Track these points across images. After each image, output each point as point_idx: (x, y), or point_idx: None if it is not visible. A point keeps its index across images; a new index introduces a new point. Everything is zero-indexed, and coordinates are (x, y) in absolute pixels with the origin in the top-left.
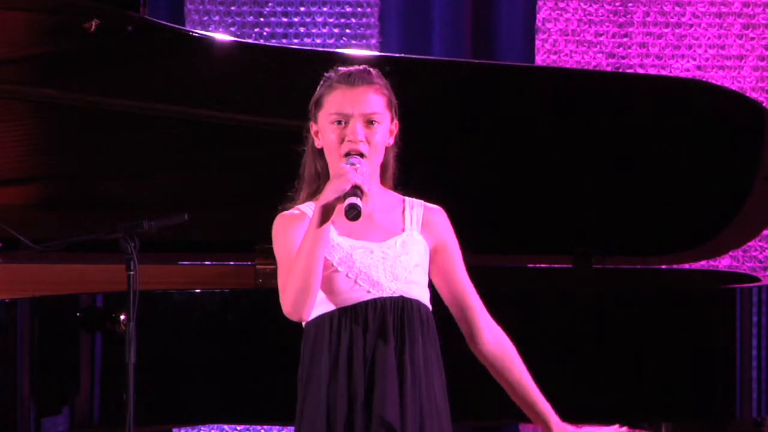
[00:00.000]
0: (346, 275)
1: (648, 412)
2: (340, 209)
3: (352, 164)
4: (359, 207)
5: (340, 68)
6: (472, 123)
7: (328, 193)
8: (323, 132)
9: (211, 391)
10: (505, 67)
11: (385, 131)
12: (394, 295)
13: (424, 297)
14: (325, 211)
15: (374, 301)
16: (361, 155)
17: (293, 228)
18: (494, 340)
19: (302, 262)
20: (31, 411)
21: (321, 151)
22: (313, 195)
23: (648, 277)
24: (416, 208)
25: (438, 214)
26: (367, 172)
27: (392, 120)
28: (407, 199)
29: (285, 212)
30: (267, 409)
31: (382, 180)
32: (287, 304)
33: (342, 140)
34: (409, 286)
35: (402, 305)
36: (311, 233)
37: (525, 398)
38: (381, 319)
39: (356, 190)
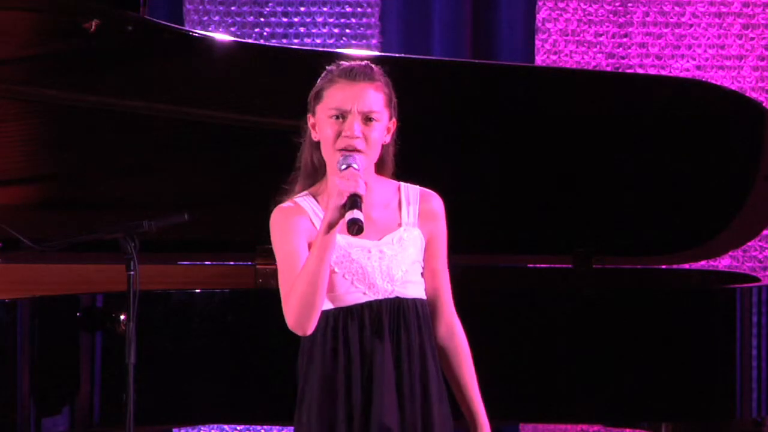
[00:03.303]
0: (343, 276)
1: (648, 412)
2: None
3: (348, 165)
4: (360, 222)
5: (342, 62)
6: (471, 123)
7: (330, 214)
8: (320, 125)
9: (211, 391)
10: (505, 67)
11: (383, 129)
12: (390, 296)
13: (420, 292)
14: (329, 228)
15: (370, 303)
16: (357, 152)
17: (291, 222)
18: (446, 335)
19: (307, 280)
20: (31, 411)
21: (318, 144)
22: (309, 188)
23: (648, 277)
24: (412, 197)
25: (435, 202)
26: (362, 168)
27: (390, 118)
28: (403, 186)
29: (282, 205)
30: (267, 409)
31: (379, 172)
32: (291, 319)
33: (338, 135)
34: (405, 285)
35: (398, 306)
36: (315, 252)
37: (461, 398)
38: (377, 321)
39: (355, 199)
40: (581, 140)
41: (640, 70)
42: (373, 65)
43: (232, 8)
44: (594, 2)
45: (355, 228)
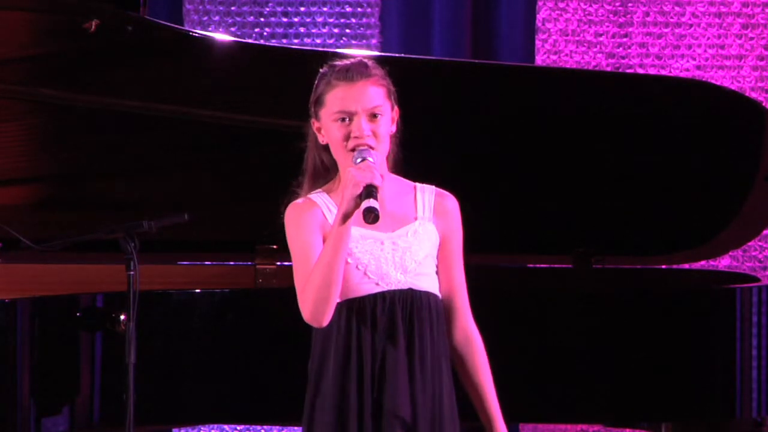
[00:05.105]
0: (356, 267)
1: (648, 412)
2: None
3: (363, 158)
4: (376, 210)
5: (335, 63)
6: (471, 123)
7: (346, 204)
8: (327, 129)
9: (211, 391)
10: (505, 67)
11: (388, 121)
12: (403, 287)
13: (434, 287)
14: (345, 219)
15: (383, 294)
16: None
17: (305, 217)
18: (462, 341)
19: (323, 271)
20: (31, 411)
21: (326, 147)
22: (318, 188)
23: (648, 277)
24: (428, 194)
25: (450, 201)
26: (377, 161)
27: (393, 108)
28: (419, 185)
29: (296, 201)
30: (267, 409)
31: (389, 167)
32: (306, 312)
33: (347, 137)
34: (418, 278)
35: (411, 298)
36: (331, 243)
37: (478, 405)
38: (390, 313)
39: (371, 189)
40: (581, 140)
41: (640, 70)
42: (366, 60)
43: (232, 8)
44: (594, 2)
45: (371, 216)
